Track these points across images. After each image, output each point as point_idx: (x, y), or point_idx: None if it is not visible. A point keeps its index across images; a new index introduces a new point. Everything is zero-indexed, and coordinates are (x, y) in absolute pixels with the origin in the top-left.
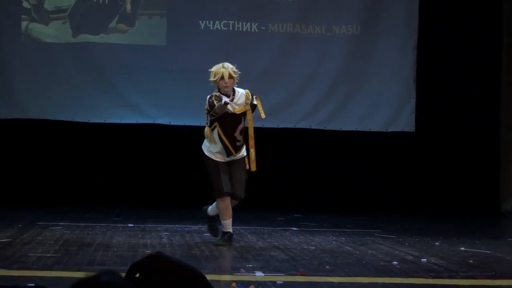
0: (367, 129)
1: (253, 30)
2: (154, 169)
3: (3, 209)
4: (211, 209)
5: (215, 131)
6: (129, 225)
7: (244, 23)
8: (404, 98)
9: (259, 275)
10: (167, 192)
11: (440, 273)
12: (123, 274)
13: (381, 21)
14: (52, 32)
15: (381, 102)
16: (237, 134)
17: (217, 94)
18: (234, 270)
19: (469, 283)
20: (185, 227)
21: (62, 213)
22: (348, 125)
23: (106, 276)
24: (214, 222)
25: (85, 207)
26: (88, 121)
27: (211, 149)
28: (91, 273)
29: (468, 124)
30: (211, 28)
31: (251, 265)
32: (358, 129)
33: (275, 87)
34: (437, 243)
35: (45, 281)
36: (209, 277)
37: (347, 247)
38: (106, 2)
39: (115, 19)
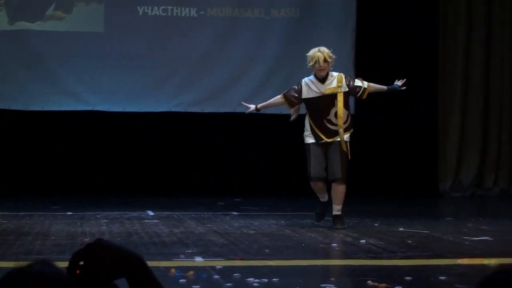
0: None
1: (191, 15)
2: (97, 155)
3: None
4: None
5: (306, 116)
6: (68, 213)
7: (183, 8)
8: None
9: (198, 260)
10: (110, 179)
11: (379, 254)
12: (59, 264)
13: (319, 3)
14: None
15: None
16: (331, 117)
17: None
18: (173, 256)
19: (408, 263)
20: (125, 214)
21: None
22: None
23: (39, 266)
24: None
25: (23, 196)
26: (25, 109)
27: (305, 132)
28: (24, 263)
29: (406, 106)
30: (150, 13)
31: (190, 251)
32: None
33: (214, 72)
34: (376, 224)
35: None
36: (148, 263)
37: (287, 230)
38: None
39: (52, 7)
